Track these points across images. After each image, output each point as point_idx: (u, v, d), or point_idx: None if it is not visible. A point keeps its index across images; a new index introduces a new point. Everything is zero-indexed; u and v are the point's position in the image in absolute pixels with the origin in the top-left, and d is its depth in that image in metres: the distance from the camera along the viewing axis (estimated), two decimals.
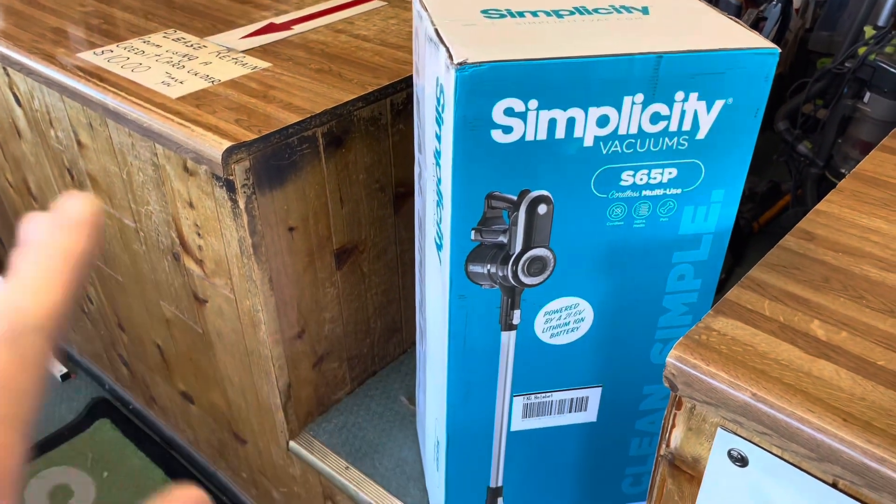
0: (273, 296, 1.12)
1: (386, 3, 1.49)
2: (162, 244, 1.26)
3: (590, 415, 0.96)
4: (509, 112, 0.69)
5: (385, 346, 1.40)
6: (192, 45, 1.28)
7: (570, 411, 0.95)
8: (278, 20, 1.40)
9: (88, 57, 1.24)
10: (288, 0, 1.51)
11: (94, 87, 1.14)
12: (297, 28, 1.36)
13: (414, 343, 1.45)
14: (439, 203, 0.80)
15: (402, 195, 1.27)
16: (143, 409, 1.82)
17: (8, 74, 1.38)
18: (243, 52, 1.26)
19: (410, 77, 1.16)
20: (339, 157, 1.12)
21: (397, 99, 1.17)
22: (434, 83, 0.75)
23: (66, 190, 1.45)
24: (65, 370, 1.99)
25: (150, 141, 1.11)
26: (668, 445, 0.70)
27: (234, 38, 1.32)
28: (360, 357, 1.35)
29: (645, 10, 0.79)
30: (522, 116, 0.70)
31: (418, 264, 1.05)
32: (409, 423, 1.31)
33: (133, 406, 1.85)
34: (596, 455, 1.01)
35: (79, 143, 1.30)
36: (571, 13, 0.78)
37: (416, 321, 1.16)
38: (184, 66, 1.19)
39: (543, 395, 0.92)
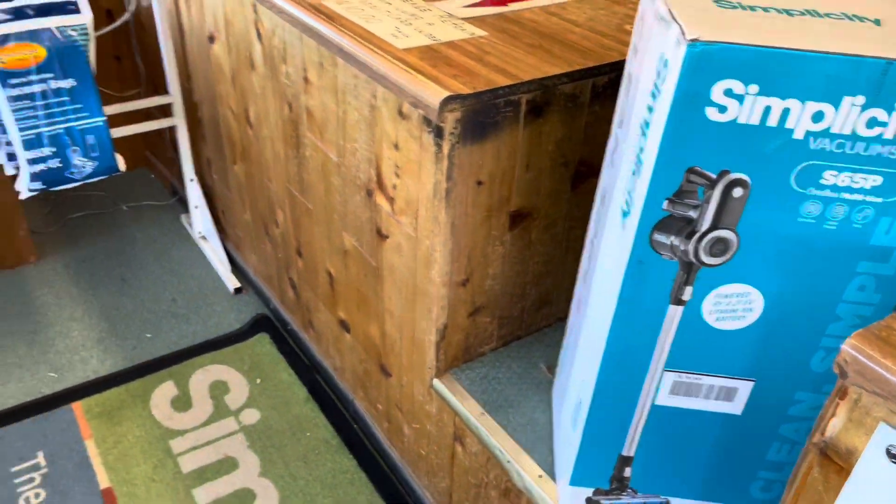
0: (451, 240, 1.22)
1: None
2: (359, 179, 1.40)
3: (735, 406, 0.98)
4: (728, 93, 0.74)
5: (535, 314, 1.47)
6: (418, 7, 1.41)
7: (717, 398, 0.98)
8: None
9: (330, 3, 1.40)
10: None
11: (333, 28, 1.29)
12: (513, 6, 1.46)
13: (561, 318, 1.51)
14: (635, 172, 0.86)
15: (581, 174, 1.33)
16: (300, 331, 2.01)
17: (256, 11, 1.58)
18: (463, 19, 1.37)
19: (615, 62, 1.22)
20: (536, 125, 1.20)
21: (599, 81, 1.23)
22: (656, 59, 0.81)
23: (283, 120, 1.63)
24: (238, 285, 2.23)
25: (373, 84, 1.24)
26: (822, 434, 0.72)
27: (456, 5, 1.43)
28: (511, 318, 1.44)
29: (877, 22, 0.80)
30: (740, 99, 0.74)
31: (591, 236, 1.11)
32: (545, 389, 1.37)
33: (290, 327, 2.04)
34: (733, 450, 1.03)
35: (306, 79, 1.47)
36: (802, 14, 0.81)
37: (575, 292, 1.22)
38: (410, 24, 1.32)
39: (695, 376, 0.96)
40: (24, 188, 1.67)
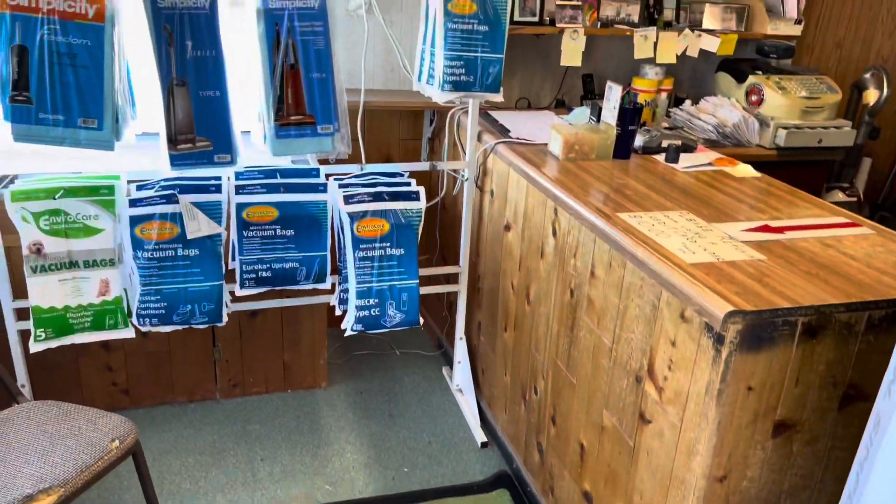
0: (716, 437, 1.34)
1: (874, 232, 1.67)
2: (629, 366, 1.59)
3: None
4: None
5: None
6: (702, 227, 1.63)
7: None
8: (772, 223, 1.68)
9: (624, 216, 1.68)
10: (780, 209, 1.79)
11: (629, 238, 1.55)
12: (789, 234, 1.63)
13: None
14: None
15: (850, 396, 1.40)
16: (539, 495, 2.15)
17: (556, 213, 1.91)
18: (743, 242, 1.56)
19: (892, 299, 1.32)
20: (809, 346, 1.32)
21: (875, 314, 1.33)
22: None
23: (562, 303, 1.90)
24: (485, 439, 2.46)
25: (659, 288, 1.46)
26: None
27: (736, 229, 1.64)
28: None
29: None
30: None
31: (861, 460, 1.17)
32: None
33: (530, 489, 2.20)
34: None
35: (592, 273, 1.74)
36: None
37: None
38: (696, 242, 1.54)
39: None
40: (349, 327, 2.10)
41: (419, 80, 2.18)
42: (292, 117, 1.91)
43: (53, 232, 1.85)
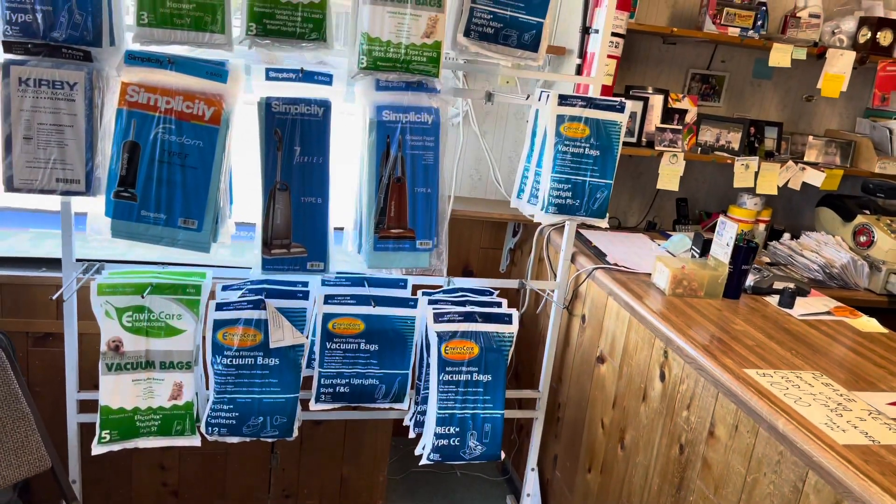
0: None
1: None
2: None
3: None
4: None
5: None
6: (841, 395, 1.46)
7: None
8: None
9: (752, 372, 1.52)
10: None
11: (764, 403, 1.39)
12: None
13: None
14: None
15: None
16: None
17: (666, 356, 1.76)
18: (893, 419, 1.38)
19: None
20: None
21: None
22: None
23: (667, 458, 1.72)
24: None
25: (805, 469, 1.28)
26: None
27: (881, 401, 1.46)
28: None
29: None
30: None
31: None
32: None
33: None
34: None
35: (711, 432, 1.57)
36: None
37: None
38: (841, 415, 1.37)
39: None
40: (426, 455, 1.94)
41: (518, 197, 2.10)
42: (393, 230, 1.83)
43: (135, 329, 1.76)
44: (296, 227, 1.78)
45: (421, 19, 1.63)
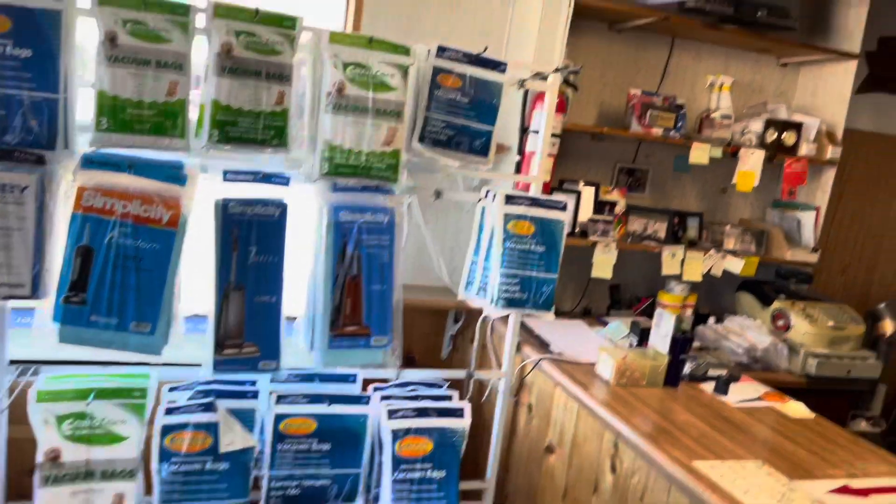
0: None
1: None
2: None
3: None
4: None
5: None
6: (784, 485, 1.55)
7: None
8: (853, 484, 1.61)
9: (700, 464, 1.59)
10: (852, 463, 1.73)
11: (717, 498, 1.45)
12: (874, 497, 1.55)
13: None
14: None
15: None
16: None
17: (616, 447, 1.82)
18: None
19: None
20: None
21: None
22: None
23: None
24: None
25: None
26: None
27: (820, 490, 1.56)
28: None
29: None
30: None
31: None
32: None
33: None
34: None
35: None
36: None
37: None
38: None
39: None
40: None
41: (467, 290, 2.15)
42: (348, 328, 1.84)
43: (76, 438, 1.68)
44: (248, 327, 1.76)
45: (381, 129, 1.70)
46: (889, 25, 3.21)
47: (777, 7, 2.80)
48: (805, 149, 2.94)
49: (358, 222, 1.81)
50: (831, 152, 2.97)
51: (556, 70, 2.17)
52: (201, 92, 1.61)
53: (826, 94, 3.08)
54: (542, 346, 2.36)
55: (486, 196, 2.08)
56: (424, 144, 1.85)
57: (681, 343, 2.09)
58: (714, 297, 3.22)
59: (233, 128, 1.60)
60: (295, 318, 1.90)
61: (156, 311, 1.62)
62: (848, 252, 3.43)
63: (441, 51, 1.83)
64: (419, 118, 1.83)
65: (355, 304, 1.84)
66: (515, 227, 2.02)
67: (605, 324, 2.75)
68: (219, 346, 1.73)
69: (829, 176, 3.03)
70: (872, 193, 3.42)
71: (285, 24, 1.62)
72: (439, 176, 2.68)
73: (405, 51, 1.73)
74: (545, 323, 2.67)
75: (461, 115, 1.86)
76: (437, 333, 2.90)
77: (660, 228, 2.92)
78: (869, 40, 3.11)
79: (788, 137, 2.91)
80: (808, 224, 3.04)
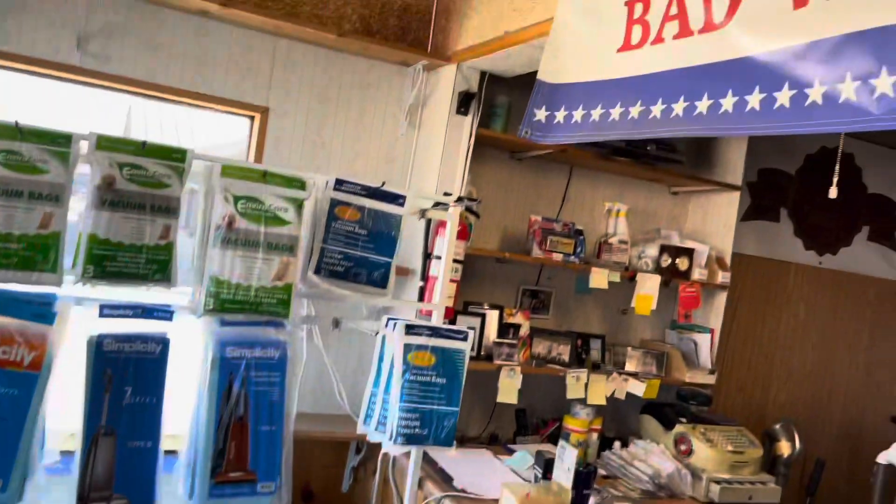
0: None
1: None
2: None
3: None
4: None
5: None
6: None
7: None
8: None
9: None
10: None
11: None
12: None
13: None
14: None
15: None
16: None
17: None
18: None
19: None
20: None
21: None
22: None
23: None
24: None
25: None
26: None
27: None
28: None
29: None
30: None
31: None
32: None
33: None
34: None
35: None
36: None
37: None
38: None
39: None
40: None
41: (366, 423, 2.05)
42: (231, 474, 1.70)
43: None
44: (119, 476, 1.60)
45: (273, 263, 1.65)
46: (768, 158, 3.48)
47: (665, 142, 2.99)
48: (697, 273, 3.07)
49: (246, 358, 1.71)
50: (722, 277, 3.11)
51: (458, 200, 2.20)
52: (79, 224, 1.52)
53: (714, 221, 3.26)
54: (446, 480, 2.27)
55: (386, 325, 2.03)
56: (321, 276, 1.80)
57: (584, 477, 2.04)
58: (620, 420, 3.22)
59: (111, 263, 1.51)
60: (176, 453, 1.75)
61: (9, 465, 1.45)
62: (743, 371, 3.54)
63: (339, 183, 1.82)
64: (315, 250, 1.79)
65: (241, 447, 1.71)
66: (416, 358, 1.96)
67: (511, 452, 2.69)
68: (83, 499, 1.56)
69: (722, 299, 3.16)
70: (761, 314, 3.59)
71: (174, 156, 1.57)
72: (341, 304, 2.63)
73: (300, 184, 1.71)
74: (447, 453, 2.58)
75: (359, 246, 1.84)
76: (338, 465, 2.75)
77: (564, 351, 2.93)
78: (750, 172, 3.35)
79: (682, 263, 3.04)
80: (705, 346, 3.13)
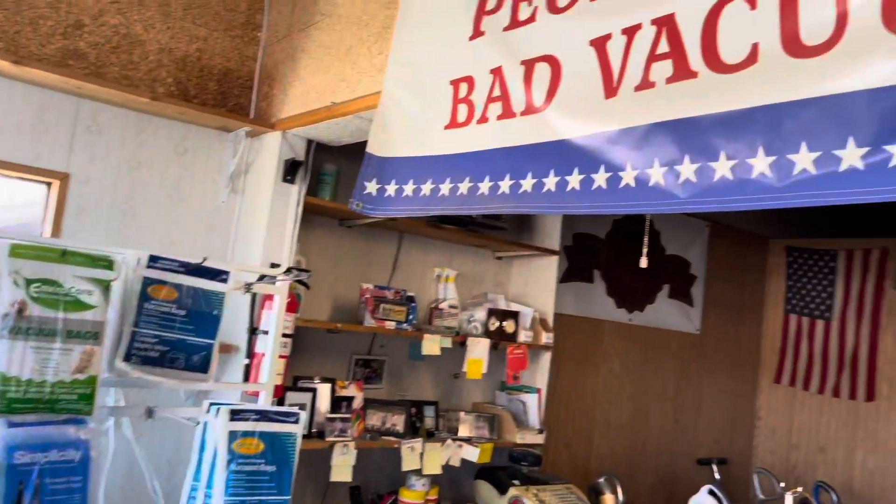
0: None
1: None
2: None
3: None
4: None
5: None
6: None
7: None
8: None
9: None
10: None
11: None
12: None
13: None
14: None
15: None
16: None
17: None
18: None
19: None
20: None
21: None
22: None
23: None
24: None
25: None
26: None
27: None
28: None
29: None
30: None
31: None
32: None
33: None
34: None
35: None
36: None
37: None
38: None
39: None
40: None
41: None
42: None
43: None
44: None
45: (73, 353, 1.45)
46: (581, 223, 3.73)
47: None
48: (523, 335, 3.17)
49: (39, 464, 1.48)
50: (545, 337, 3.24)
51: (287, 272, 2.11)
52: None
53: (536, 284, 3.41)
54: None
55: (207, 411, 1.86)
56: (131, 364, 1.62)
57: None
58: (455, 487, 3.20)
59: None
60: None
61: None
62: (569, 427, 3.69)
63: (153, 260, 1.67)
64: (126, 334, 1.61)
65: None
66: (242, 446, 1.81)
67: None
68: None
69: (546, 359, 3.29)
70: (582, 370, 3.78)
71: None
72: (155, 391, 2.39)
73: (107, 264, 1.54)
74: None
75: (176, 328, 1.68)
76: None
77: (398, 421, 2.88)
78: (566, 236, 3.57)
79: (508, 325, 3.13)
80: (533, 405, 3.22)
